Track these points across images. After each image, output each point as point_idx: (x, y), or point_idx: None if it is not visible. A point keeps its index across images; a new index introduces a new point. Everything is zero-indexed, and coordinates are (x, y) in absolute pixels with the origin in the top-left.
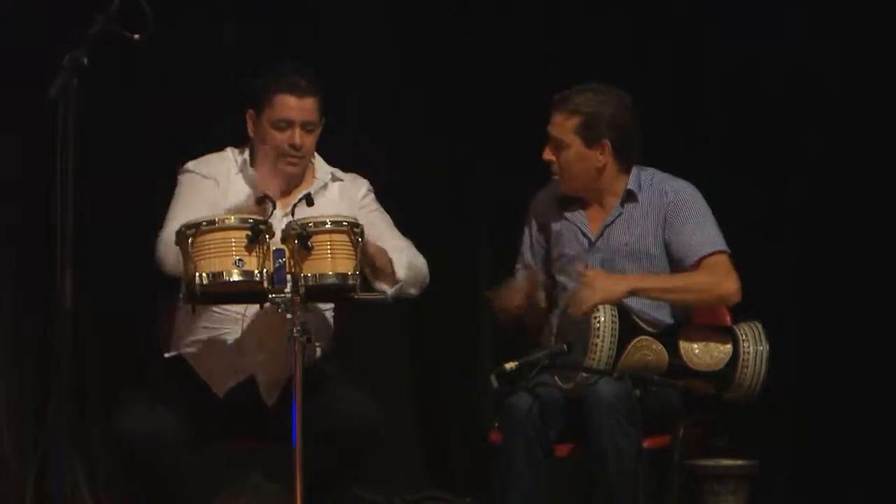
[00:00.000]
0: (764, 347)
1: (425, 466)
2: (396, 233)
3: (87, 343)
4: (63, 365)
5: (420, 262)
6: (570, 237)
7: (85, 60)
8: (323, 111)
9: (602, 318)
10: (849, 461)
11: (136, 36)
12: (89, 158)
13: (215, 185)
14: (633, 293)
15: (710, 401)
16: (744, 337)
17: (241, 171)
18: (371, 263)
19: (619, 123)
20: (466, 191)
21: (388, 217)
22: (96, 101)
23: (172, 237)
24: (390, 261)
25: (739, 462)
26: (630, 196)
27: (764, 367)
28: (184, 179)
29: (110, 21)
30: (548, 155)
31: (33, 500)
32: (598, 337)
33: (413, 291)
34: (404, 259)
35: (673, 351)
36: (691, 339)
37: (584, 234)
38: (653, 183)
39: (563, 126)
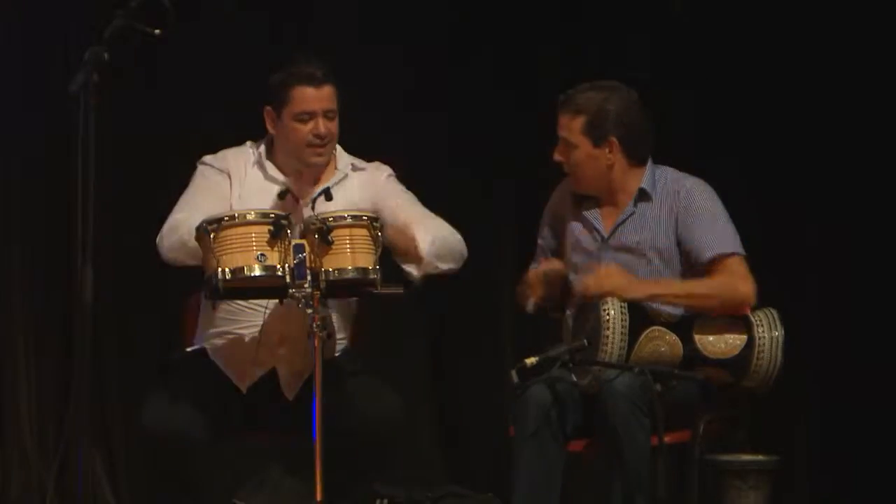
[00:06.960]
0: (779, 333)
1: (447, 462)
2: (425, 211)
3: (107, 339)
4: (84, 361)
5: (450, 234)
6: (584, 234)
7: (106, 56)
8: (340, 98)
9: (612, 311)
10: (866, 458)
11: (157, 31)
12: (109, 153)
13: (227, 178)
14: (650, 299)
15: (728, 391)
16: (758, 323)
17: (258, 164)
18: (393, 245)
19: (625, 120)
20: (489, 188)
21: (414, 197)
22: (118, 96)
23: (175, 225)
24: (413, 239)
25: (760, 457)
26: (643, 195)
27: (780, 353)
28: (198, 172)
29: (131, 16)
30: (558, 156)
31: (54, 497)
32: (608, 329)
33: (447, 266)
34: (429, 236)
35: (687, 339)
36: (705, 327)
37: (597, 231)
38: (666, 182)
39: (570, 127)
